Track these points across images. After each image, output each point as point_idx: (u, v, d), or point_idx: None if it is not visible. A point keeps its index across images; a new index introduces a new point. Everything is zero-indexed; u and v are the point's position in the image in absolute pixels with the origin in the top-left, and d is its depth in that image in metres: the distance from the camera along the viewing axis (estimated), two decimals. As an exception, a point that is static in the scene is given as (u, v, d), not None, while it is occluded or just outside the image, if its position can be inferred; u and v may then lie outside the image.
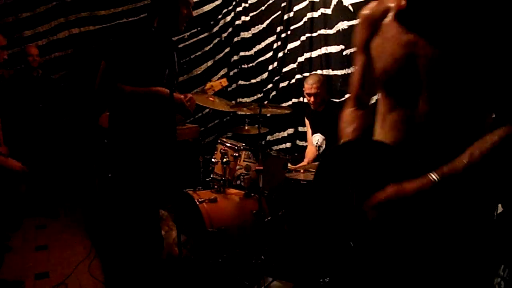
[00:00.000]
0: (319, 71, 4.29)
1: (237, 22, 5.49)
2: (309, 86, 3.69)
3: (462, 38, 1.18)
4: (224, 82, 3.60)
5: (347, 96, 4.00)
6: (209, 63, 5.77)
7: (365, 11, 1.47)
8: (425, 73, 1.25)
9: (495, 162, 1.17)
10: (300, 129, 4.65)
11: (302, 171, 3.63)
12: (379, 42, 1.39)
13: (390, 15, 1.35)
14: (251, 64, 5.41)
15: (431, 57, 1.22)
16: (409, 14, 1.29)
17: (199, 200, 3.18)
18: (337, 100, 3.97)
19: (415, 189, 1.21)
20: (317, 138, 3.79)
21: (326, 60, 4.24)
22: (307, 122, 4.03)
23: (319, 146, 3.77)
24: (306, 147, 4.42)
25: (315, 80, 3.69)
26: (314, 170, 3.56)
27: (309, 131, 4.00)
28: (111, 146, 2.56)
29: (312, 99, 3.70)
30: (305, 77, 4.47)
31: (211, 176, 3.49)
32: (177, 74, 2.75)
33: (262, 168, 3.12)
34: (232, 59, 5.60)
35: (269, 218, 3.30)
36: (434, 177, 1.21)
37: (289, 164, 3.58)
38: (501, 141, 1.15)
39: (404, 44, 1.29)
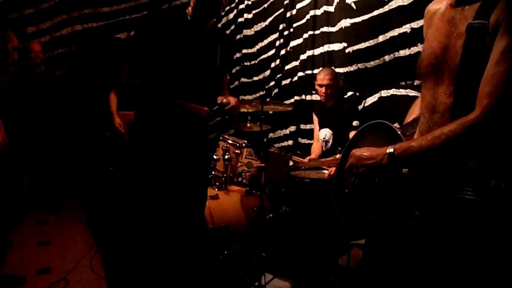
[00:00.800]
0: (321, 68, 4.29)
1: (240, 19, 5.49)
2: (322, 77, 3.68)
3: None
4: None
5: (349, 93, 4.00)
6: (212, 60, 5.77)
7: (427, 7, 1.55)
8: (452, 65, 1.29)
9: (450, 148, 1.22)
10: (302, 126, 4.64)
11: (303, 167, 3.63)
12: (427, 34, 1.47)
13: (440, 10, 1.41)
14: (253, 62, 5.41)
15: (465, 48, 1.25)
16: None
17: (201, 196, 3.18)
18: (345, 96, 3.98)
19: (371, 157, 1.39)
20: (324, 133, 3.79)
21: (329, 58, 4.24)
22: (315, 118, 4.02)
23: (326, 141, 3.77)
24: (308, 144, 4.43)
25: (328, 72, 3.68)
26: (317, 169, 3.60)
27: (316, 128, 4.00)
28: (132, 143, 2.50)
29: (323, 90, 3.67)
30: (308, 75, 4.48)
31: (213, 173, 3.49)
32: (219, 69, 2.45)
33: (263, 165, 3.12)
34: (235, 57, 5.60)
35: (270, 215, 3.31)
36: (391, 149, 1.32)
37: (293, 157, 3.59)
38: (463, 130, 1.19)
39: (443, 35, 1.34)
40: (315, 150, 3.92)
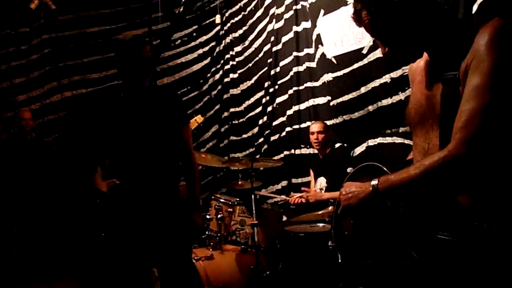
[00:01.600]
0: (308, 122, 4.38)
1: (226, 79, 5.64)
2: (314, 126, 3.83)
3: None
4: (199, 118, 3.78)
5: (338, 145, 4.06)
6: (200, 120, 5.85)
7: (410, 65, 1.61)
8: (436, 111, 1.36)
9: (429, 180, 1.26)
10: (294, 180, 4.66)
11: (298, 221, 3.61)
12: (412, 88, 1.54)
13: (421, 65, 1.49)
14: (241, 120, 5.50)
15: (443, 97, 1.33)
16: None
17: (195, 258, 3.12)
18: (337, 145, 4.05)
19: (358, 188, 1.43)
20: (320, 182, 3.83)
21: (315, 112, 4.34)
22: (311, 172, 4.07)
23: (321, 189, 3.79)
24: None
25: (319, 122, 3.86)
26: (311, 223, 3.57)
27: (313, 181, 4.04)
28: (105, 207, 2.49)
29: (315, 136, 3.79)
30: (295, 129, 4.56)
31: (206, 233, 3.45)
32: (171, 124, 2.26)
33: (257, 222, 3.10)
34: (223, 116, 5.70)
35: (267, 272, 3.24)
36: (375, 181, 1.35)
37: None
38: (439, 162, 1.22)
39: (425, 86, 1.42)
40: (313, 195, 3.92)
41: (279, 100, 4.87)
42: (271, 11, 4.91)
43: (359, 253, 1.61)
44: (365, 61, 3.70)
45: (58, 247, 4.98)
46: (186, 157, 2.34)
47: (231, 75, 5.57)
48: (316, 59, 4.28)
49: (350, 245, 1.68)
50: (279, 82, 4.85)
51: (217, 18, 5.38)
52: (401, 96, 3.37)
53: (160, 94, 2.35)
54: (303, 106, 4.51)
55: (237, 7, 5.48)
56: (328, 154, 3.81)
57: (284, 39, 4.75)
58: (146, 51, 2.20)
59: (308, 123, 4.40)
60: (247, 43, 5.38)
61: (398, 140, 3.46)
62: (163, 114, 2.21)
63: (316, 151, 4.10)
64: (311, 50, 4.38)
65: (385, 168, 1.52)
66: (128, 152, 2.17)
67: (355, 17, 1.37)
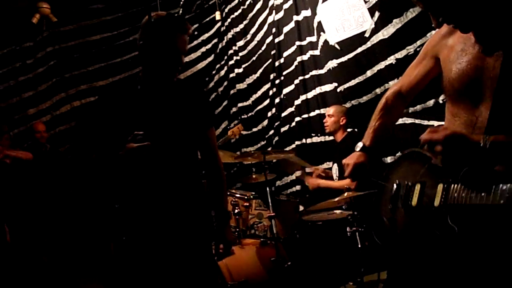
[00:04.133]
0: (317, 111, 4.37)
1: (231, 75, 5.64)
2: (331, 110, 3.83)
3: None
4: (241, 127, 4.07)
5: (349, 130, 4.04)
6: (209, 117, 5.87)
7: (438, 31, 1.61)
8: (490, 83, 1.36)
9: None
10: (308, 170, 4.65)
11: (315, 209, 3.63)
12: (451, 56, 1.50)
13: (457, 35, 1.48)
14: (250, 114, 5.50)
15: (496, 68, 1.34)
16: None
17: (216, 254, 3.15)
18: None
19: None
20: (335, 168, 3.84)
21: (322, 99, 4.33)
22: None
23: (337, 177, 3.80)
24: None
25: (334, 106, 3.88)
26: (328, 210, 3.58)
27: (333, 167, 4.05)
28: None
29: (327, 119, 3.83)
30: (304, 118, 4.56)
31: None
32: (195, 124, 2.01)
33: (274, 214, 3.12)
34: (232, 111, 5.70)
35: (289, 263, 3.26)
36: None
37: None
38: None
39: (474, 57, 1.40)
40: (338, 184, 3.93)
41: (286, 91, 4.86)
42: (270, 3, 4.89)
43: (396, 235, 1.62)
44: (368, 44, 3.67)
45: (83, 253, 5.07)
46: (211, 164, 2.11)
47: (236, 70, 5.57)
48: (319, 47, 4.26)
49: (389, 228, 1.70)
50: (284, 73, 4.84)
51: (217, 15, 5.37)
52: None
53: (186, 91, 2.05)
54: (310, 94, 4.50)
55: (235, 2, 5.46)
56: (342, 140, 3.81)
57: (286, 29, 4.73)
58: (183, 41, 1.92)
59: (317, 112, 4.40)
60: (249, 37, 5.37)
61: (409, 120, 3.44)
62: (188, 114, 1.97)
63: (327, 139, 4.10)
64: (313, 38, 4.36)
65: (428, 154, 1.48)
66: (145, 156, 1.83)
67: None
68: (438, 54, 1.58)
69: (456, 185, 1.30)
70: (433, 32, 1.72)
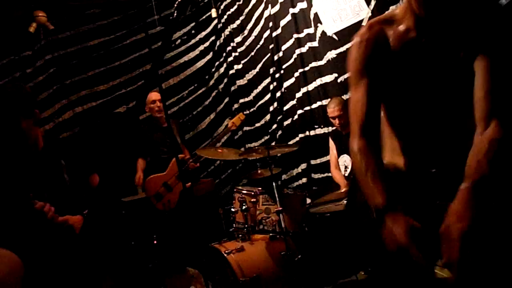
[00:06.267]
0: (318, 102, 4.37)
1: (231, 71, 5.64)
2: (332, 109, 3.76)
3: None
4: (242, 116, 4.07)
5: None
6: (212, 115, 5.88)
7: (364, 34, 1.51)
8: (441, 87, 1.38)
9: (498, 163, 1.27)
10: (313, 162, 4.66)
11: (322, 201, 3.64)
12: (390, 64, 1.45)
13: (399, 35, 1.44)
14: (252, 109, 5.50)
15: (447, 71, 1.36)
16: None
17: (226, 251, 3.16)
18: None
19: (466, 209, 1.23)
20: (344, 159, 3.83)
21: (323, 91, 4.32)
22: (332, 144, 4.03)
23: (346, 167, 3.79)
24: (322, 178, 4.43)
25: (336, 103, 3.76)
26: (336, 201, 3.58)
27: (333, 154, 4.02)
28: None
29: (337, 121, 3.75)
30: (307, 111, 4.55)
31: (234, 225, 3.49)
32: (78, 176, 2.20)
33: (281, 208, 3.12)
34: (233, 108, 5.71)
35: (299, 256, 3.27)
36: (466, 185, 1.27)
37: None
38: (494, 143, 1.27)
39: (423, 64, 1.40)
40: (339, 178, 3.91)
41: (286, 84, 4.85)
42: (265, -3, 4.88)
43: None
44: (367, 32, 3.66)
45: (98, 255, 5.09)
46: None
47: (236, 67, 5.56)
48: (317, 38, 4.25)
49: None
50: (284, 66, 4.83)
51: (213, 12, 5.37)
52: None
53: (59, 150, 2.18)
54: (311, 87, 4.49)
55: (231, -2, 5.47)
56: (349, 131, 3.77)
57: (282, 22, 4.72)
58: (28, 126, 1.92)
59: (318, 103, 4.39)
60: (246, 32, 5.36)
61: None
62: (63, 173, 2.10)
63: (330, 129, 4.10)
64: (311, 30, 4.35)
65: None
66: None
67: None
68: None
69: None
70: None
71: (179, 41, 5.79)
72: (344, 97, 4.03)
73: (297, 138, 4.75)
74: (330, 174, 4.17)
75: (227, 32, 5.60)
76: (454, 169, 1.38)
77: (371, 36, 1.48)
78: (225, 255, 3.14)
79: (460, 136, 1.44)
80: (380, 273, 1.53)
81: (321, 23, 4.15)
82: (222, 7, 5.59)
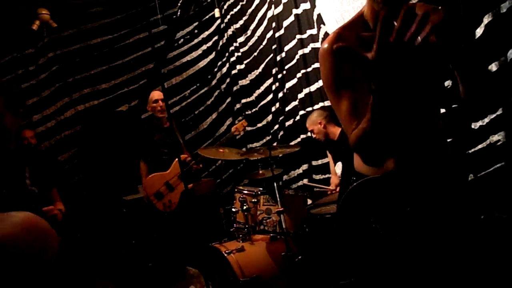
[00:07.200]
0: (320, 103, 4.36)
1: (233, 71, 5.63)
2: (307, 126, 3.95)
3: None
4: (245, 122, 4.18)
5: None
6: (214, 115, 5.88)
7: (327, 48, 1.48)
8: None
9: None
10: (314, 163, 4.66)
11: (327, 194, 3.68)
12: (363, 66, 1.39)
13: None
14: (254, 109, 5.50)
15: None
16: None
17: (227, 251, 3.16)
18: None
19: None
20: (339, 166, 3.84)
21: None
22: (329, 154, 4.10)
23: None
24: (323, 179, 4.43)
25: (310, 121, 3.95)
26: (336, 202, 3.58)
27: (331, 163, 4.05)
28: None
29: (314, 136, 3.92)
30: (309, 112, 4.53)
31: (234, 225, 3.49)
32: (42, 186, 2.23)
33: (282, 209, 3.12)
34: (235, 108, 5.71)
35: (299, 257, 3.27)
36: None
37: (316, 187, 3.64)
38: None
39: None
40: (335, 183, 3.94)
41: (288, 85, 4.85)
42: (269, -3, 4.88)
43: None
44: (370, 34, 3.65)
45: (94, 257, 5.10)
46: None
47: (238, 67, 5.56)
48: (320, 39, 4.24)
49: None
50: (286, 67, 4.83)
51: (216, 12, 5.36)
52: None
53: (28, 156, 2.25)
54: (313, 87, 4.48)
55: (234, -2, 5.46)
56: (339, 137, 3.78)
57: (286, 23, 4.71)
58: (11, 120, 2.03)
59: (321, 104, 4.38)
60: (249, 32, 5.35)
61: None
62: (25, 179, 2.16)
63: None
64: (314, 31, 4.34)
65: None
66: None
67: None
68: None
69: None
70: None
71: (182, 40, 5.80)
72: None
73: (299, 139, 4.75)
74: (330, 176, 4.19)
75: (230, 32, 5.60)
76: (414, 169, 1.41)
77: (337, 47, 1.41)
78: (226, 255, 3.14)
79: (422, 135, 1.46)
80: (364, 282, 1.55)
81: (324, 24, 4.14)
82: (225, 7, 5.59)
